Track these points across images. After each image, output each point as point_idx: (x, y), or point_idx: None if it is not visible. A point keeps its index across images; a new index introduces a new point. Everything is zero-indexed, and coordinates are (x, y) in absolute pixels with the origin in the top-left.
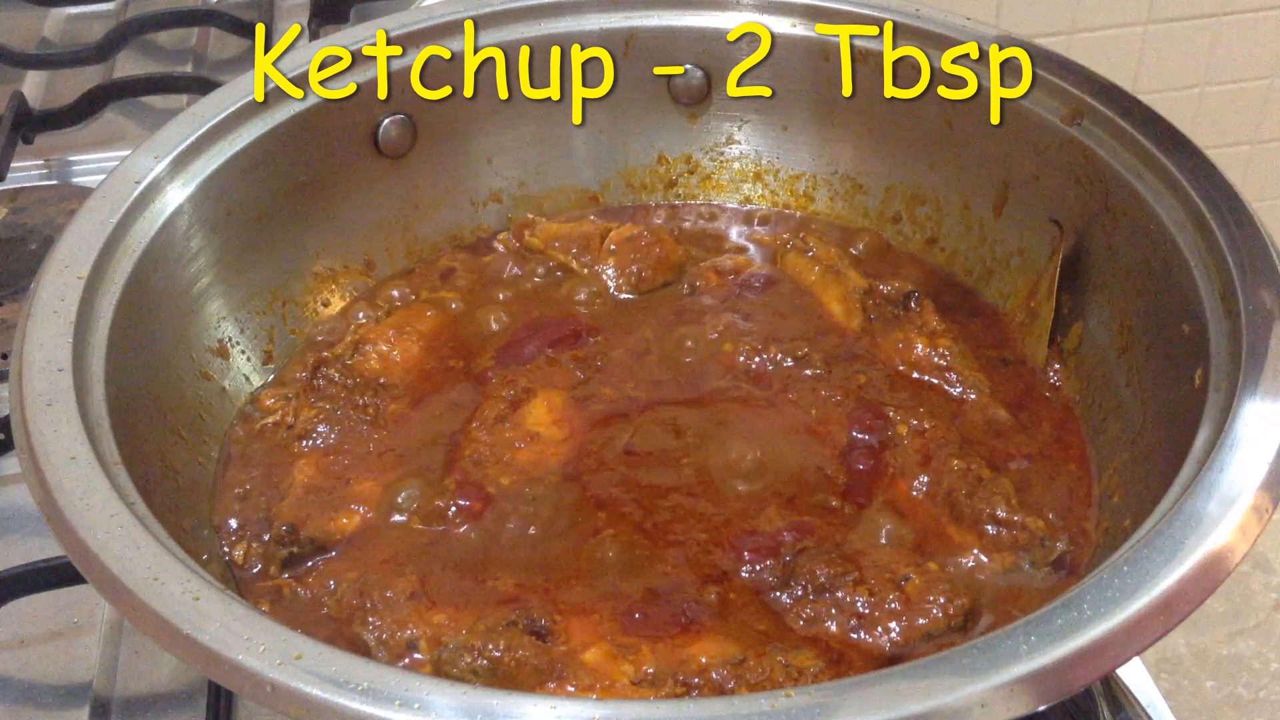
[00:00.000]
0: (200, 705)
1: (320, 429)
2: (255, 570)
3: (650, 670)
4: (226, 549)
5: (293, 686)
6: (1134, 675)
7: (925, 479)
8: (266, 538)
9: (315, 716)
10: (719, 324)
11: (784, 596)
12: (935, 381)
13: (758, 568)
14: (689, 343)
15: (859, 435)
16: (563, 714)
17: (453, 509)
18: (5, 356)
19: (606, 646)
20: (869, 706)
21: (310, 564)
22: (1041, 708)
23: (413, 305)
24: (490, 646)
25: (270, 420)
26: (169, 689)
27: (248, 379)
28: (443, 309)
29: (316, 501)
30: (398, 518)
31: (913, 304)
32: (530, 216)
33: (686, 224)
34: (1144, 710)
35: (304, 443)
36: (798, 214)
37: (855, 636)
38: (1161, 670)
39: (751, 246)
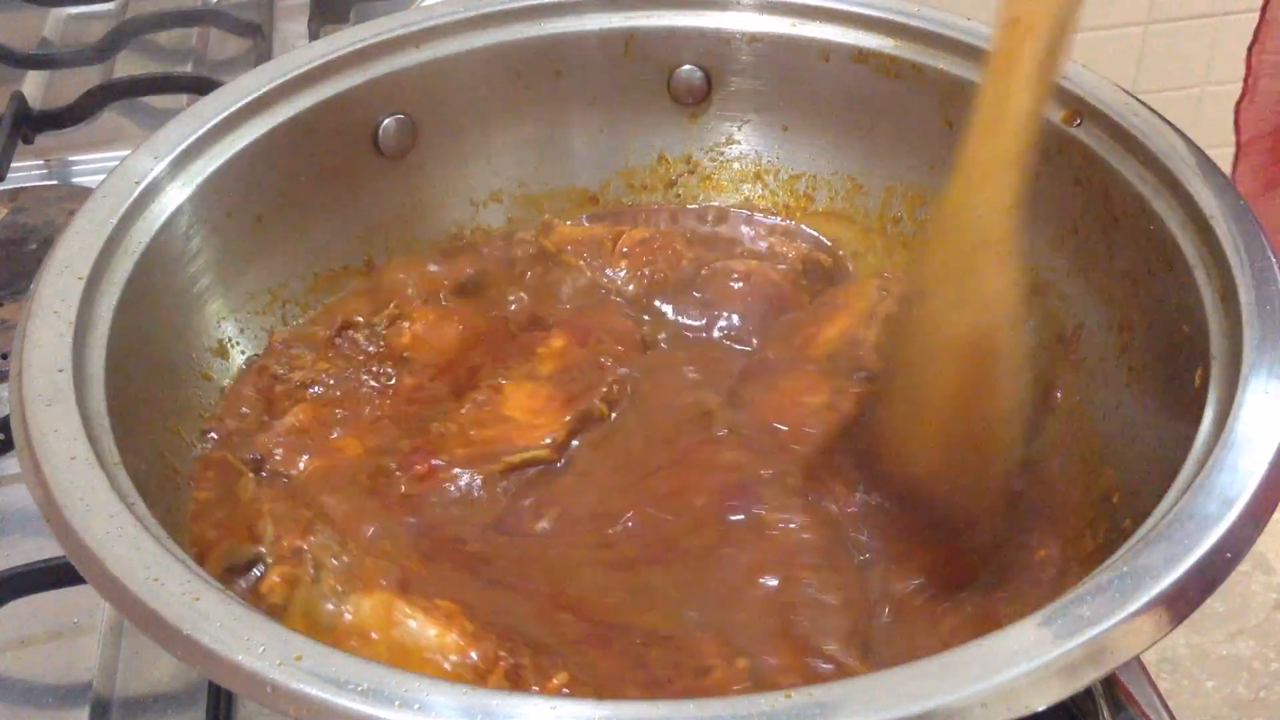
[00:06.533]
0: (200, 705)
1: (329, 380)
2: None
3: None
4: (198, 445)
5: (293, 686)
6: (1134, 675)
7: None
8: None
9: (315, 716)
10: (727, 327)
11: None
12: None
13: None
14: (691, 342)
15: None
16: (562, 714)
17: (396, 468)
18: (5, 356)
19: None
20: (869, 706)
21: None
22: (1041, 708)
23: (453, 301)
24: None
25: (284, 373)
26: (169, 689)
27: None
28: (458, 308)
29: (294, 443)
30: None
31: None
32: (547, 218)
33: (699, 227)
34: (1144, 710)
35: (309, 390)
36: (794, 221)
37: None
38: (1161, 670)
39: (765, 250)
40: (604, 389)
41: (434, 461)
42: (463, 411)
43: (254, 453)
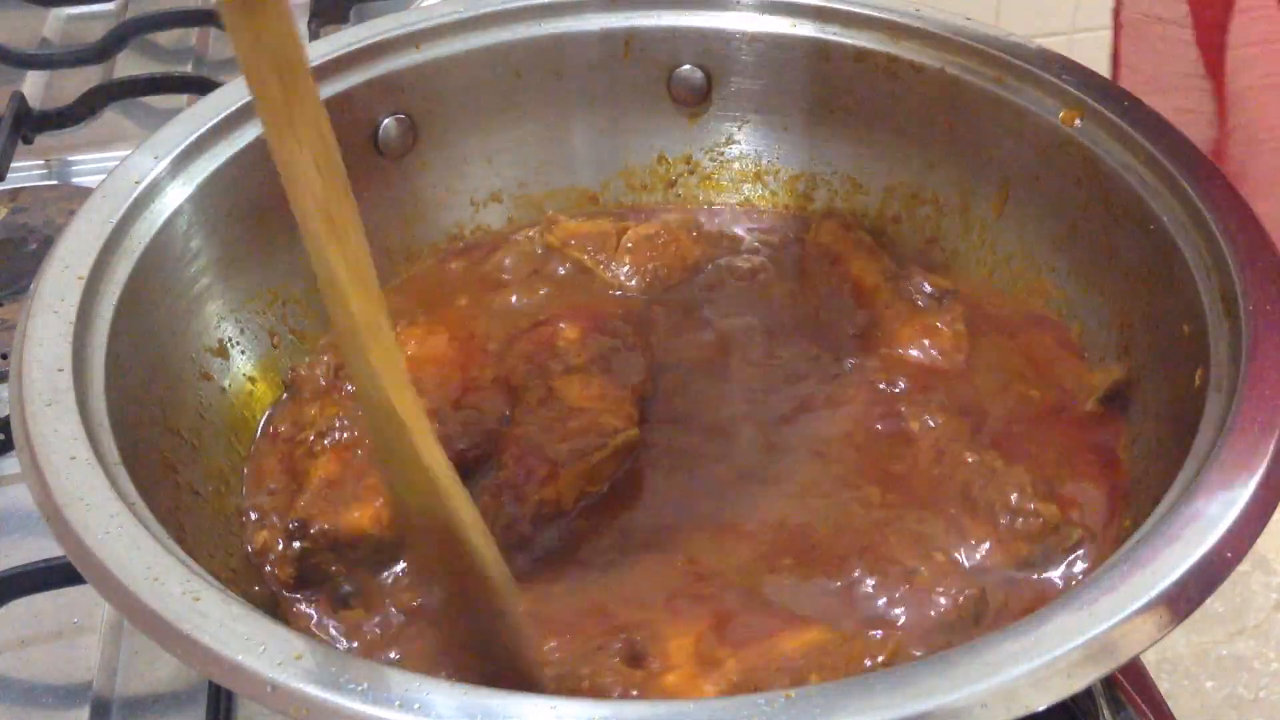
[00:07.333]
0: (200, 705)
1: (342, 422)
2: (271, 561)
3: (735, 679)
4: (250, 537)
5: (293, 686)
6: (1134, 675)
7: (938, 473)
8: (282, 545)
9: (315, 716)
10: (735, 324)
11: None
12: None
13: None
14: (701, 344)
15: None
16: (563, 714)
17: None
18: (5, 356)
19: (690, 669)
20: (869, 706)
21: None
22: (1041, 708)
23: (435, 313)
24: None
25: (294, 433)
26: (169, 689)
27: (248, 379)
28: (460, 312)
29: (331, 496)
30: None
31: (944, 300)
32: (551, 213)
33: (704, 223)
34: (1144, 710)
35: (326, 439)
36: (796, 217)
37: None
38: (1161, 670)
39: (768, 248)
40: (642, 373)
41: (551, 459)
42: (530, 414)
43: (295, 520)
